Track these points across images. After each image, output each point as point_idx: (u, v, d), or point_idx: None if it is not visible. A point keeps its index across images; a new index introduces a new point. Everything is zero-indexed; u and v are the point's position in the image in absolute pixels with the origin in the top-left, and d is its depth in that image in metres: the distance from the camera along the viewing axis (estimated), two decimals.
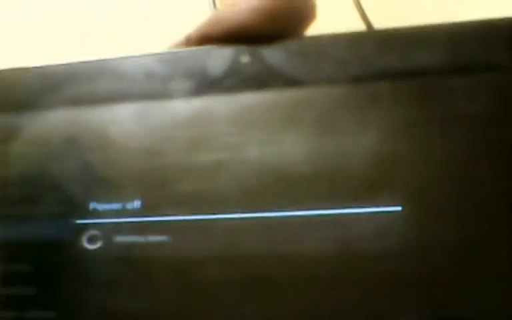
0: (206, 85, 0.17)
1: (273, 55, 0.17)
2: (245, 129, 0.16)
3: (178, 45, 0.18)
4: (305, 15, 0.17)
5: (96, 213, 0.17)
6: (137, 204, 0.17)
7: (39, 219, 0.17)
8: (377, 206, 0.15)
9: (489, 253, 0.14)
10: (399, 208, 0.15)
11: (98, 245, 0.16)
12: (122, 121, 0.18)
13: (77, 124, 0.18)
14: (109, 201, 0.17)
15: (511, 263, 0.14)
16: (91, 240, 0.17)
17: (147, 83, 0.18)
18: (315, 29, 0.18)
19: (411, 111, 0.16)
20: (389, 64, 0.16)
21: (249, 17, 0.17)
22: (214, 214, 0.16)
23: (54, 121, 0.18)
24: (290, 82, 0.17)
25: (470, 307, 0.14)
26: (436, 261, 0.14)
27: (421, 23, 0.16)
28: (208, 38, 0.17)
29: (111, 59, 0.18)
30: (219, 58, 0.17)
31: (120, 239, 0.16)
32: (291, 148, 0.16)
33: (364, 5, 0.33)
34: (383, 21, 0.17)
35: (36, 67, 0.19)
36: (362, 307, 0.14)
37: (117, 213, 0.17)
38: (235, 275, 0.15)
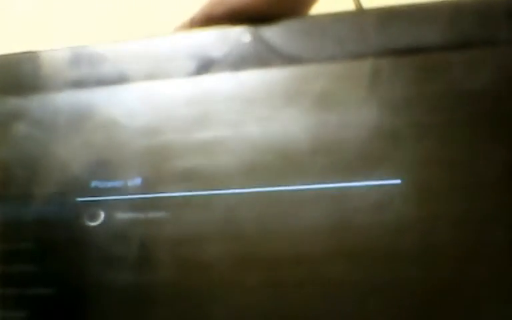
0: (207, 65, 0.17)
1: (274, 34, 0.17)
2: (245, 107, 0.17)
3: (182, 26, 0.18)
4: None
5: (97, 191, 0.17)
6: (137, 181, 0.17)
7: (41, 198, 0.17)
8: (377, 179, 0.15)
9: (489, 227, 0.14)
10: (399, 181, 0.15)
11: (99, 222, 0.17)
12: (125, 101, 0.18)
13: (79, 105, 0.18)
14: (110, 179, 0.17)
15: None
16: (92, 217, 0.17)
17: (150, 64, 0.18)
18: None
19: (411, 87, 0.16)
20: (388, 41, 0.16)
21: None
22: (213, 190, 0.16)
23: (57, 103, 0.18)
24: (290, 60, 0.17)
25: (470, 281, 0.14)
26: (435, 235, 0.14)
27: None
28: (211, 18, 0.18)
29: (114, 43, 0.19)
30: (221, 39, 0.17)
31: (120, 215, 0.16)
32: (291, 124, 0.16)
33: None
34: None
35: (40, 51, 0.19)
36: (361, 280, 0.14)
37: (118, 191, 0.17)
38: (234, 251, 0.15)
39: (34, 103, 0.18)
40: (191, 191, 0.16)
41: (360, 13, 0.17)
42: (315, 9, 0.17)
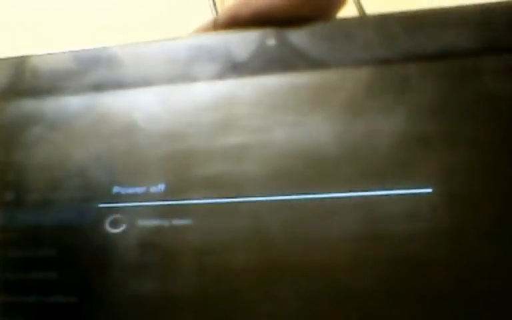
0: (231, 68, 0.17)
1: (299, 37, 0.17)
2: (270, 112, 0.16)
3: (205, 28, 0.18)
4: None
5: (119, 197, 0.17)
6: (161, 187, 0.16)
7: (62, 204, 0.17)
8: (407, 188, 0.15)
9: None
10: (430, 190, 0.14)
11: (121, 228, 0.16)
12: (146, 105, 0.17)
13: (100, 109, 0.18)
14: (133, 185, 0.17)
15: None
16: (114, 224, 0.16)
17: (172, 67, 0.17)
18: None
19: (440, 93, 0.15)
20: (417, 45, 0.16)
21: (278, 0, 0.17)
22: (238, 197, 0.16)
23: (77, 106, 0.18)
24: (316, 64, 0.16)
25: (502, 291, 0.14)
26: (466, 244, 0.14)
27: None
28: (236, 20, 0.17)
29: (135, 44, 0.18)
30: (245, 41, 0.17)
31: (143, 222, 0.16)
32: (317, 130, 0.16)
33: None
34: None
35: (59, 53, 0.19)
36: (392, 290, 0.14)
37: (141, 197, 0.16)
38: (261, 260, 0.15)
39: (54, 106, 0.18)
40: (216, 198, 0.16)
41: (388, 17, 0.16)
42: None
